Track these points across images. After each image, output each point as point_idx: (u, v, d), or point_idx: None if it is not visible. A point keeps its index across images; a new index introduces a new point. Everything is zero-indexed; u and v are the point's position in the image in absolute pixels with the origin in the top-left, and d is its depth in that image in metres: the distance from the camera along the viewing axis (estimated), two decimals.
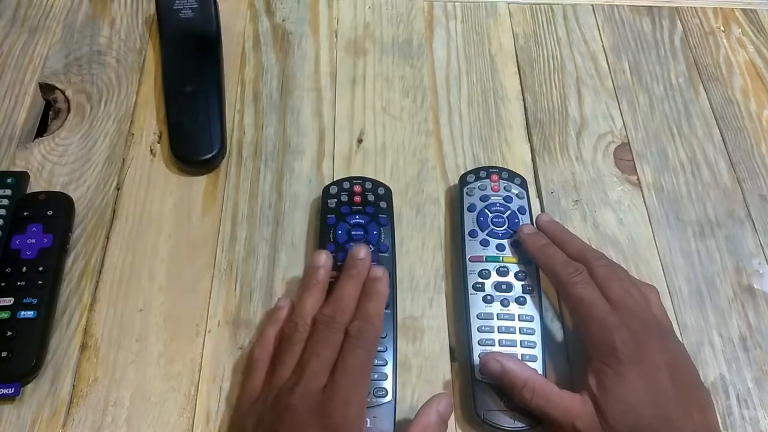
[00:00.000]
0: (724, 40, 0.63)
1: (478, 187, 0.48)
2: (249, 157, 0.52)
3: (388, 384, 0.41)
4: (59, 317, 0.44)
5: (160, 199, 0.50)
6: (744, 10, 0.65)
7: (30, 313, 0.42)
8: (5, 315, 0.42)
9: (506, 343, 0.42)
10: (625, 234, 0.50)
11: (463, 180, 0.49)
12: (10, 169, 0.50)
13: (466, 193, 0.48)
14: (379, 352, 0.41)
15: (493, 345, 0.42)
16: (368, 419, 0.39)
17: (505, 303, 0.43)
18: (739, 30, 0.64)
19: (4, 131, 0.52)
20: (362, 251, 0.43)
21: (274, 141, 0.53)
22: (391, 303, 0.43)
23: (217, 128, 0.51)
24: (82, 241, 0.47)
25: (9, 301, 0.42)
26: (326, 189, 0.48)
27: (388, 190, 0.48)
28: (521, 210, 0.47)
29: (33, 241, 0.45)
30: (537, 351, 0.42)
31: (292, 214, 0.50)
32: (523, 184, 0.49)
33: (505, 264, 0.45)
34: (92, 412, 0.41)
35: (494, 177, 0.48)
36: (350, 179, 0.48)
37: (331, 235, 0.45)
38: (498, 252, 0.45)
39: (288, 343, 0.39)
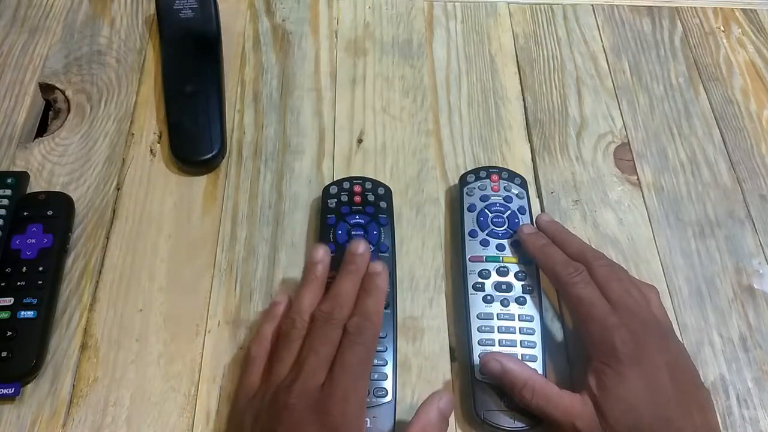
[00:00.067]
0: (724, 40, 0.63)
1: (478, 187, 0.48)
2: (249, 157, 0.52)
3: (388, 384, 0.41)
4: (59, 317, 0.44)
5: (160, 199, 0.50)
6: (744, 10, 0.65)
7: (30, 313, 0.42)
8: (5, 315, 0.42)
9: (506, 343, 0.42)
10: (625, 234, 0.50)
11: (463, 180, 0.49)
12: (10, 169, 0.50)
13: (466, 193, 0.48)
14: (379, 352, 0.41)
15: (493, 345, 0.42)
16: (368, 419, 0.39)
17: (505, 303, 0.43)
18: (739, 30, 0.64)
19: (4, 131, 0.52)
20: (361, 246, 0.42)
21: (274, 141, 0.53)
22: (391, 303, 0.43)
23: (217, 128, 0.51)
24: (82, 241, 0.47)
25: (9, 301, 0.42)
26: (326, 189, 0.48)
27: (388, 190, 0.48)
28: (521, 210, 0.47)
29: (33, 241, 0.45)
30: (537, 351, 0.42)
31: (292, 214, 0.50)
32: (523, 184, 0.49)
33: (505, 264, 0.45)
34: (92, 412, 0.41)
35: (494, 177, 0.48)
36: (350, 179, 0.48)
37: (331, 235, 0.45)
38: (498, 252, 0.45)
39: (285, 339, 0.39)
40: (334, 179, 0.50)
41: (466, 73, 0.58)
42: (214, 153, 0.50)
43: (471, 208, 0.47)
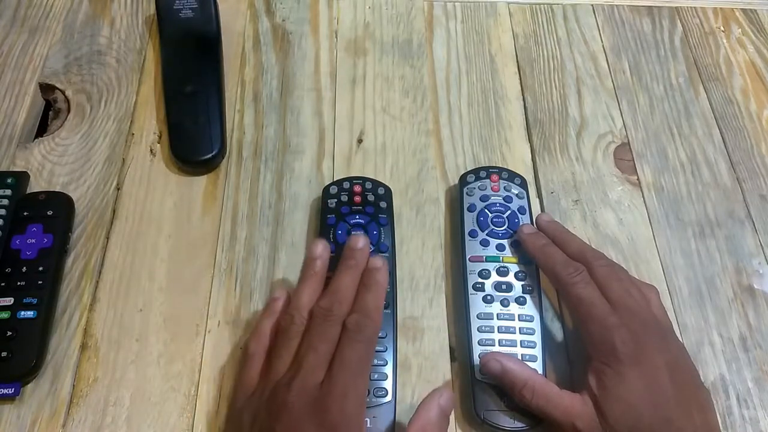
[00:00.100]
0: (724, 40, 0.63)
1: (478, 187, 0.48)
2: (249, 157, 0.52)
3: (388, 384, 0.41)
4: (59, 317, 0.44)
5: (160, 199, 0.50)
6: (744, 10, 0.65)
7: (30, 313, 0.42)
8: (5, 315, 0.42)
9: (506, 343, 0.42)
10: (625, 234, 0.50)
11: (463, 180, 0.49)
12: (10, 169, 0.50)
13: (466, 193, 0.48)
14: (379, 351, 0.41)
15: (493, 345, 0.42)
16: (368, 419, 0.39)
17: (505, 303, 0.43)
18: (739, 30, 0.64)
19: (4, 131, 0.52)
20: (360, 241, 0.41)
21: (274, 141, 0.53)
22: (391, 303, 0.43)
23: (217, 128, 0.51)
24: (82, 241, 0.47)
25: (9, 301, 0.42)
26: (326, 189, 0.48)
27: (388, 190, 0.48)
28: (521, 210, 0.47)
29: (33, 241, 0.45)
30: (537, 351, 0.42)
31: (292, 214, 0.50)
32: (523, 184, 0.49)
33: (505, 264, 0.45)
34: (92, 412, 0.41)
35: (494, 177, 0.48)
36: (350, 179, 0.48)
37: (331, 235, 0.45)
38: (498, 252, 0.45)
39: (284, 336, 0.39)
40: (334, 179, 0.50)
41: (466, 73, 0.59)
42: (214, 153, 0.50)
43: (471, 208, 0.47)
